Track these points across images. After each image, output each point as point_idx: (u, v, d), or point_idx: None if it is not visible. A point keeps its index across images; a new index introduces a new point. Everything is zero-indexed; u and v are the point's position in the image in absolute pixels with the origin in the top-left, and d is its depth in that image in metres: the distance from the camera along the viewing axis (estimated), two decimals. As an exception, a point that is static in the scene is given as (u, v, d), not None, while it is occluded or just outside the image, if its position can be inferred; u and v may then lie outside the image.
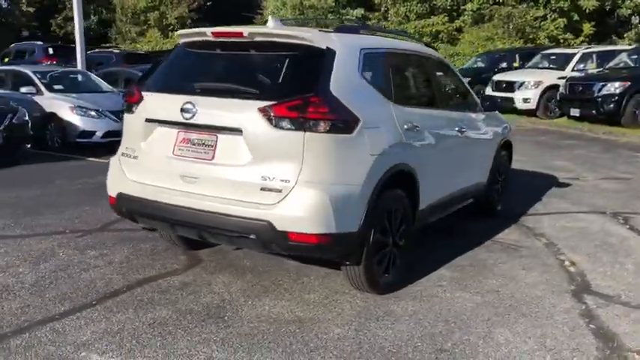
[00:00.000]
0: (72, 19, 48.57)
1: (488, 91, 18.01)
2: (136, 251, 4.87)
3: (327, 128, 3.51)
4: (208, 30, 4.03)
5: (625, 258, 5.14)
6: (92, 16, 47.30)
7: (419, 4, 33.77)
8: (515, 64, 19.64)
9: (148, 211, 3.92)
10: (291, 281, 4.33)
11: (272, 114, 3.48)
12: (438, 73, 5.18)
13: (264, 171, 3.52)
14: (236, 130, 3.59)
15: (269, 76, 3.88)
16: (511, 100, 16.88)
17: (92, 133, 10.45)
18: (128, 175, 4.04)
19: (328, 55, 3.73)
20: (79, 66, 15.28)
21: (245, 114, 3.53)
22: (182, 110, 3.71)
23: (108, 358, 3.16)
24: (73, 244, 5.04)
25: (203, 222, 3.69)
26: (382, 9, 37.21)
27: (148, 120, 3.94)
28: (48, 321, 3.56)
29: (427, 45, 5.47)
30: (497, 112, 6.70)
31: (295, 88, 3.58)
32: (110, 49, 24.58)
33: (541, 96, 16.64)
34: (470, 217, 6.25)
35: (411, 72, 4.78)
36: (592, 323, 3.82)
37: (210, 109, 3.68)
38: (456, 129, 5.09)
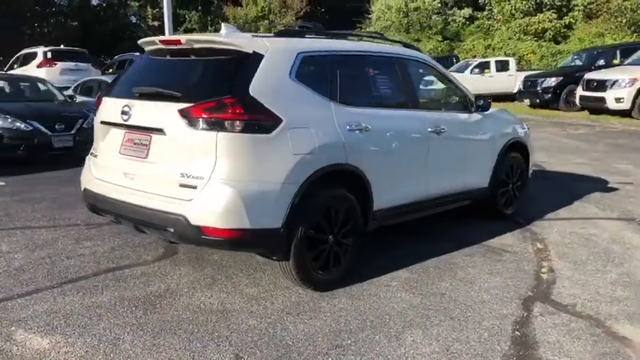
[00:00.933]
0: (192, 30, 51.58)
1: (580, 90, 17.00)
2: (124, 243, 5.30)
3: (241, 128, 3.67)
4: (157, 38, 4.36)
5: (614, 267, 4.79)
6: (209, 27, 50.21)
7: (524, 1, 32.36)
8: (615, 62, 18.32)
9: (103, 205, 4.31)
10: (244, 275, 4.53)
11: (189, 115, 3.71)
12: (412, 74, 5.12)
13: (183, 168, 3.76)
14: (161, 131, 3.87)
15: (197, 79, 4.12)
16: (602, 99, 15.83)
17: None
18: (93, 172, 4.46)
19: (253, 59, 3.90)
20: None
21: (167, 115, 3.80)
22: (122, 113, 4.06)
23: (31, 333, 3.55)
24: (77, 235, 5.58)
25: (137, 216, 4.01)
26: (486, 8, 36.16)
27: (102, 122, 4.35)
28: (5, 299, 4.04)
29: (407, 45, 5.41)
30: (505, 112, 6.46)
31: (215, 91, 3.78)
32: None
33: (637, 95, 15.41)
34: (469, 219, 6.09)
35: (367, 73, 4.78)
36: (520, 331, 3.66)
37: (142, 112, 4.00)
38: (431, 129, 5.01)
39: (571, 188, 7.72)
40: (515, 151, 6.25)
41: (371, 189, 4.45)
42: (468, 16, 40.46)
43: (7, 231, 5.73)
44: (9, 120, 9.44)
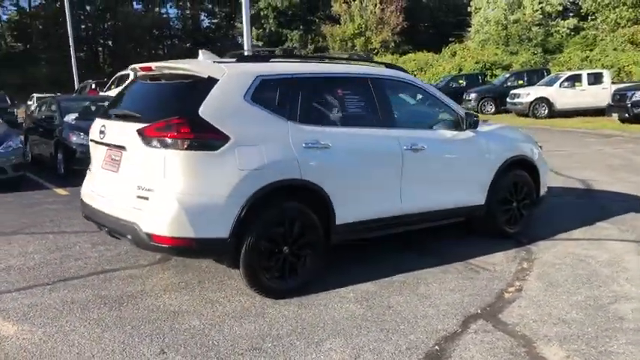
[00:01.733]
0: (293, 49, 53.15)
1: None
2: (132, 249, 5.83)
3: (187, 146, 4.07)
4: (138, 65, 4.88)
5: (586, 290, 4.66)
6: (309, 45, 51.68)
7: (630, 10, 30.51)
8: None
9: (91, 214, 4.86)
10: (216, 281, 4.89)
11: (143, 134, 4.16)
12: (390, 94, 5.28)
13: (140, 182, 4.21)
14: (124, 148, 4.36)
15: (158, 102, 4.56)
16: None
17: None
18: (87, 184, 5.05)
19: (208, 83, 4.28)
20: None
21: (129, 134, 4.28)
22: (99, 132, 4.61)
23: (6, 321, 4.12)
24: (96, 240, 6.21)
25: (109, 223, 4.51)
26: (589, 18, 34.44)
27: (91, 140, 4.93)
28: (3, 292, 4.69)
29: (390, 66, 5.54)
30: (508, 129, 6.39)
31: (169, 112, 4.20)
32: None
33: None
34: (471, 237, 6.09)
35: (332, 94, 4.98)
36: (440, 346, 3.73)
37: (112, 131, 4.51)
38: (407, 147, 5.13)
39: (604, 207, 7.40)
40: (521, 168, 6.16)
41: (332, 204, 4.67)
42: (572, 27, 38.74)
43: (42, 235, 6.50)
44: (82, 136, 10.51)
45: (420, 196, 5.31)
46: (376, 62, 5.66)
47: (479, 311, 4.28)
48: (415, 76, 36.99)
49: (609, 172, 10.06)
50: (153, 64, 4.69)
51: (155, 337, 3.86)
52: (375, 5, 43.53)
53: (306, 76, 4.79)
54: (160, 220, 4.08)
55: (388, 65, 5.56)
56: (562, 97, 22.07)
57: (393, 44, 43.64)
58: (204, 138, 4.12)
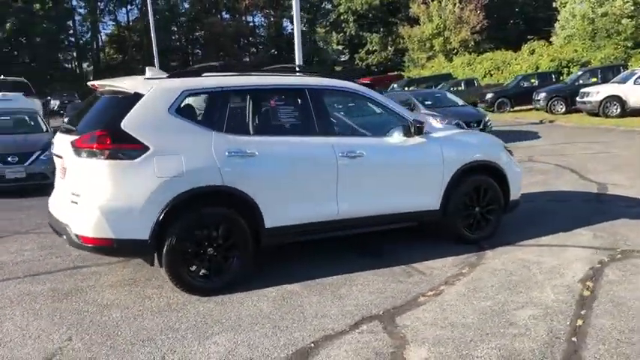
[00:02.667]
0: (373, 52, 53.33)
1: None
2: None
3: (107, 156, 4.53)
4: (90, 83, 5.42)
5: (505, 297, 4.66)
6: (389, 47, 51.59)
7: None
8: None
9: (50, 221, 5.41)
10: (162, 279, 5.30)
11: (74, 145, 4.67)
12: (327, 103, 5.48)
13: (73, 188, 4.73)
14: (62, 158, 4.89)
15: (92, 116, 5.03)
16: None
17: None
18: (52, 194, 5.64)
19: (133, 98, 4.73)
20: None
21: (66, 146, 4.80)
22: (56, 144, 5.19)
23: (-35, 309, 4.78)
24: (88, 239, 6.85)
25: (56, 226, 5.06)
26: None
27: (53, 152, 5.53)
28: (-20, 284, 5.38)
29: (332, 76, 5.74)
30: (469, 134, 6.38)
31: (97, 126, 4.69)
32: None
33: None
34: (434, 240, 6.15)
35: (263, 105, 5.26)
36: (317, 343, 3.94)
37: (58, 143, 5.06)
38: (342, 154, 5.32)
39: (598, 213, 7.13)
40: (484, 174, 6.15)
41: (259, 208, 4.97)
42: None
43: (45, 234, 7.23)
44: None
45: (360, 200, 5.47)
46: (318, 73, 5.86)
47: (381, 313, 4.43)
48: (491, 75, 36.34)
49: (631, 177, 9.55)
50: (97, 83, 5.21)
51: (73, 326, 4.34)
52: (454, 4, 42.76)
53: (233, 89, 5.12)
54: (84, 222, 4.57)
55: (328, 75, 5.76)
56: (636, 94, 20.79)
57: (472, 43, 42.66)
58: (124, 148, 4.56)
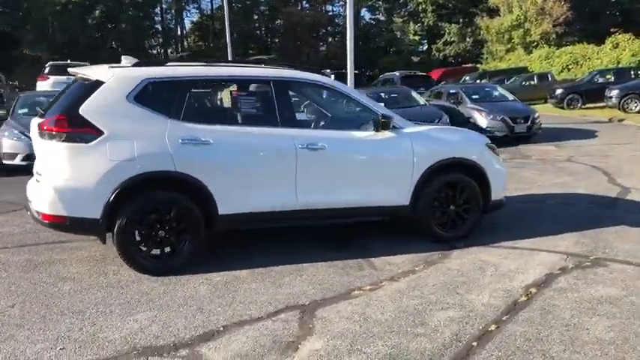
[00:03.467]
0: (451, 43, 52.26)
1: None
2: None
3: (64, 139, 4.84)
4: (71, 70, 5.75)
5: (431, 296, 4.59)
6: (467, 38, 50.30)
7: None
8: None
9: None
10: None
11: (39, 128, 5.02)
12: (291, 95, 5.55)
13: (38, 168, 5.09)
14: (33, 139, 5.25)
15: (59, 101, 5.33)
16: None
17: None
18: None
19: (94, 85, 5.01)
20: (349, 85, 17.57)
21: (35, 128, 5.16)
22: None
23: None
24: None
25: (26, 203, 5.45)
26: None
27: None
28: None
29: (303, 69, 5.79)
30: (443, 130, 6.25)
31: (60, 110, 5.01)
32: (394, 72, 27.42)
33: None
34: (410, 236, 6.10)
35: (223, 95, 5.40)
36: (198, 332, 4.07)
37: (32, 126, 5.42)
38: (302, 146, 5.38)
39: (598, 218, 6.80)
40: (461, 171, 6.03)
41: (212, 195, 5.14)
42: None
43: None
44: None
45: (322, 192, 5.53)
46: (284, 66, 5.94)
47: (307, 303, 4.49)
48: (568, 70, 34.60)
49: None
50: (72, 69, 5.55)
51: (23, 295, 4.71)
52: (537, -5, 41.02)
53: (193, 78, 5.31)
54: (42, 200, 4.91)
55: (299, 68, 5.81)
56: None
57: (554, 36, 40.78)
58: (79, 132, 4.86)
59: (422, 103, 15.42)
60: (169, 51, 63.04)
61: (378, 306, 4.40)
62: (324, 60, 50.40)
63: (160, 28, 59.57)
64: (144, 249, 5.09)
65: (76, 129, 4.87)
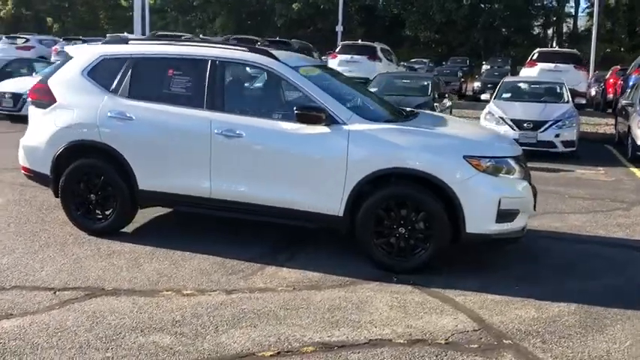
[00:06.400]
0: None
1: None
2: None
3: (32, 103, 5.72)
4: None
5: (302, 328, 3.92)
6: None
7: None
8: None
9: None
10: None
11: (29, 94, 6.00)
12: (228, 77, 5.21)
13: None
14: None
15: (47, 74, 6.05)
16: None
17: None
18: None
19: (67, 59, 5.73)
20: None
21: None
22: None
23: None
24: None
25: None
26: None
27: None
28: None
29: (254, 50, 5.19)
30: (405, 131, 4.90)
31: (39, 80, 5.89)
32: None
33: None
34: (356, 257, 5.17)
35: (161, 73, 5.35)
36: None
37: None
38: (218, 132, 5.05)
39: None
40: (419, 187, 4.76)
41: (131, 169, 5.35)
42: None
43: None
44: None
45: (238, 184, 5.14)
46: (245, 47, 5.48)
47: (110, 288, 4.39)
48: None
49: None
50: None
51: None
52: None
53: (137, 56, 5.50)
54: (19, 153, 5.90)
55: (253, 50, 5.34)
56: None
57: None
58: (42, 99, 5.65)
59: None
60: (549, 32, 59.25)
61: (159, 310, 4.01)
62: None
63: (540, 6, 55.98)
64: (79, 208, 5.58)
65: (41, 96, 5.68)
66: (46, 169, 5.60)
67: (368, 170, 4.79)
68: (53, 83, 5.64)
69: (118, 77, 5.47)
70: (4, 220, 5.99)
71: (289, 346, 3.55)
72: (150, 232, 5.79)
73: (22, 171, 5.96)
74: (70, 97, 5.54)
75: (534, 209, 5.32)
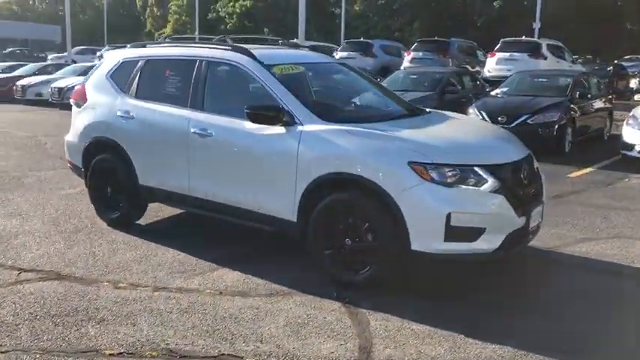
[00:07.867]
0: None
1: None
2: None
3: (74, 104, 6.35)
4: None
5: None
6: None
7: None
8: None
9: None
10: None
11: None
12: (214, 77, 5.26)
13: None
14: None
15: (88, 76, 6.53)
16: None
17: None
18: None
19: (100, 63, 6.27)
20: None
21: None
22: None
23: None
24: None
25: None
26: None
27: None
28: None
29: (237, 49, 5.05)
30: (361, 133, 4.44)
31: (82, 82, 6.50)
32: None
33: None
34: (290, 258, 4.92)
35: (161, 73, 5.50)
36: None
37: None
38: (194, 131, 5.11)
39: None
40: (364, 195, 4.32)
41: (133, 165, 5.68)
42: None
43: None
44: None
45: (210, 183, 5.17)
46: (229, 46, 5.39)
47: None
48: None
49: None
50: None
51: None
52: None
53: (145, 58, 5.79)
54: (65, 148, 6.58)
55: (236, 49, 5.24)
56: None
57: None
58: (79, 100, 6.26)
59: None
60: None
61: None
62: None
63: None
64: (100, 199, 6.10)
65: (79, 97, 6.29)
66: (79, 162, 6.20)
67: (315, 174, 4.46)
68: (88, 85, 6.22)
69: (129, 78, 5.85)
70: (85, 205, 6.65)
71: (137, 349, 3.48)
72: (158, 225, 6.06)
73: (68, 164, 6.67)
74: (96, 97, 6.06)
75: (540, 218, 4.63)
